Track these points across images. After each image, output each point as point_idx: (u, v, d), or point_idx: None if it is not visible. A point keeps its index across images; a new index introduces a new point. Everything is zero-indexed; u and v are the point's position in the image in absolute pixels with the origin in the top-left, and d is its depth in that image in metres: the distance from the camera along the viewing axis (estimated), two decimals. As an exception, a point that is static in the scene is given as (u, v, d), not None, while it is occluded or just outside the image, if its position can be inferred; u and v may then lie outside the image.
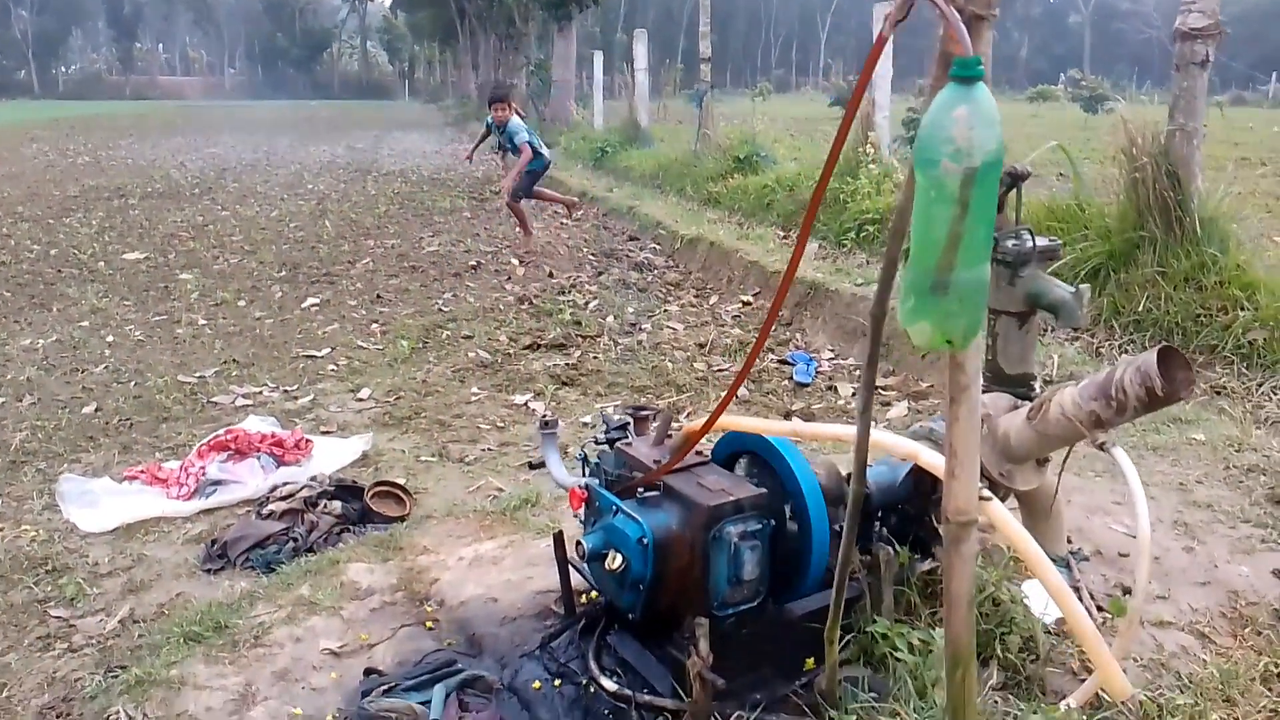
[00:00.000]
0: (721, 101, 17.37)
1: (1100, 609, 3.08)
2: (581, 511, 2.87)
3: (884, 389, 6.70)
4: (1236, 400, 5.57)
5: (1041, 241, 3.08)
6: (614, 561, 2.55)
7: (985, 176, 1.51)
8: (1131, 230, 7.11)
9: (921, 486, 2.96)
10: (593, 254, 11.30)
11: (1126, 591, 3.28)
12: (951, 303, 1.57)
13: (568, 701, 2.75)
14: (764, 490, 2.60)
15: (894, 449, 2.53)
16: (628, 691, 2.67)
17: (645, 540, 2.50)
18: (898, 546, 2.86)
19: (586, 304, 8.93)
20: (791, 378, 6.86)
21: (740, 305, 8.86)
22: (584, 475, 3.03)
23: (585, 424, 6.00)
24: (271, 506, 4.46)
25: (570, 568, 3.03)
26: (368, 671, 3.04)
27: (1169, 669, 2.84)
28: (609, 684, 2.71)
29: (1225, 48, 7.17)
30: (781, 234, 11.04)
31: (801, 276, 8.63)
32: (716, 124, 15.91)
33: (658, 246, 11.47)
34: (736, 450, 2.85)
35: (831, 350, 7.52)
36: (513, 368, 7.11)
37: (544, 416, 3.05)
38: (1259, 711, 2.64)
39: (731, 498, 2.53)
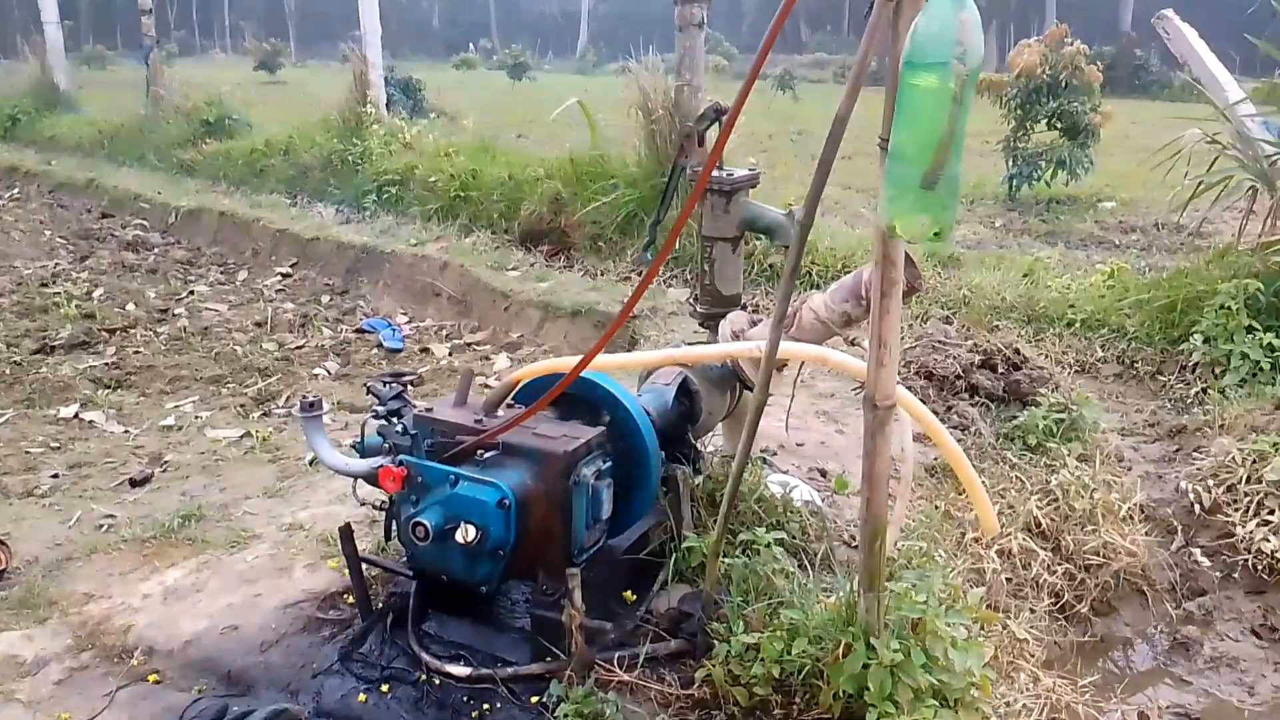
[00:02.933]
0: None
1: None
2: (389, 494, 2.54)
3: (476, 344, 6.71)
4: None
5: (744, 172, 3.36)
6: (466, 534, 2.31)
7: (974, 77, 1.66)
8: (654, 177, 7.92)
9: (683, 409, 3.10)
10: (62, 237, 9.52)
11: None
12: (942, 196, 1.71)
13: (409, 703, 2.44)
14: (603, 428, 2.53)
15: (798, 353, 2.56)
16: (487, 671, 2.45)
17: (507, 502, 2.30)
18: (686, 465, 2.97)
19: (89, 293, 7.54)
20: (381, 345, 6.54)
21: (280, 278, 8.16)
22: (363, 456, 2.66)
23: (167, 426, 5.16)
24: None
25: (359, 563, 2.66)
26: (110, 753, 2.40)
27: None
28: (460, 670, 2.47)
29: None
30: (289, 200, 10.30)
31: (347, 241, 8.23)
32: (171, 84, 14.19)
33: (145, 223, 10.03)
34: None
35: (404, 313, 7.31)
36: (33, 377, 5.79)
37: (305, 398, 2.60)
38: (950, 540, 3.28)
39: (581, 439, 2.44)
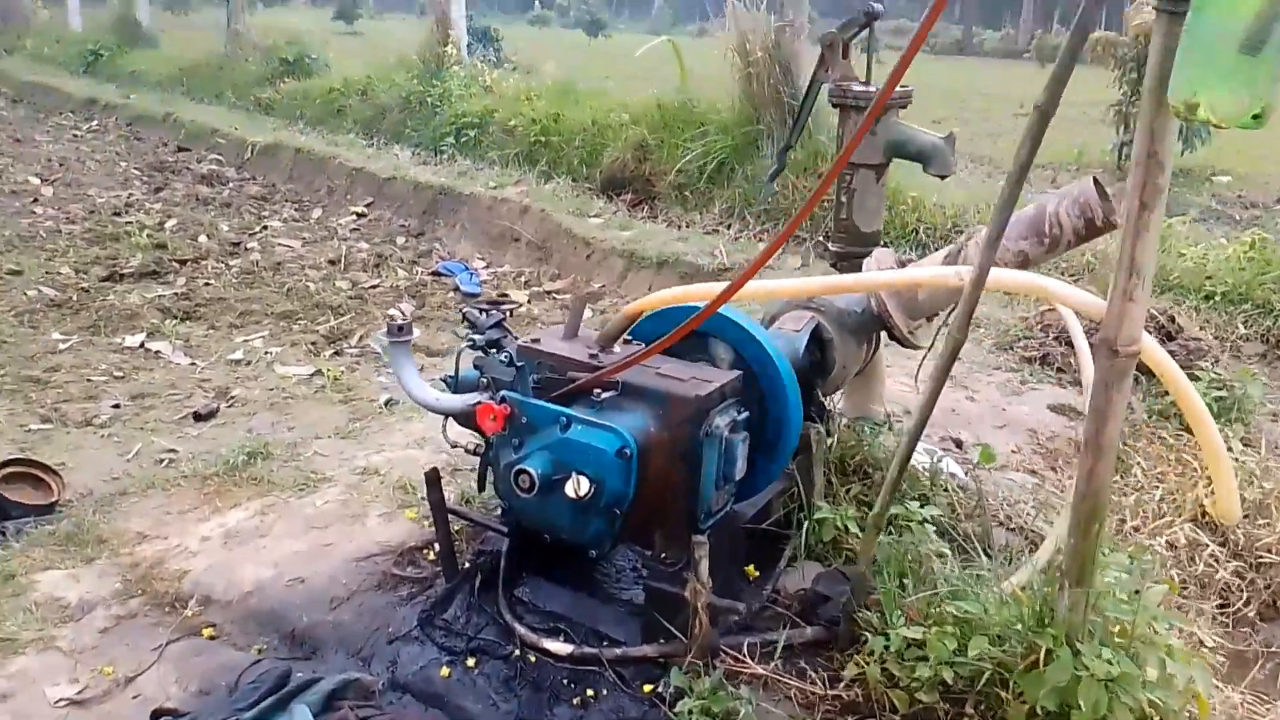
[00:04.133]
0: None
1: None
2: (484, 435, 2.17)
3: (556, 292, 6.35)
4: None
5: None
6: (578, 487, 1.93)
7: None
8: (749, 124, 7.43)
9: (814, 360, 2.68)
10: (137, 168, 9.37)
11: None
12: (1269, 60, 1.26)
13: (499, 682, 2.09)
14: (740, 373, 2.13)
15: (1014, 284, 2.11)
16: (591, 650, 2.08)
17: (628, 451, 1.92)
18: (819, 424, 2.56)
19: (161, 224, 7.33)
20: (458, 289, 6.21)
21: (355, 217, 7.88)
22: (457, 391, 2.30)
23: (235, 361, 4.89)
24: None
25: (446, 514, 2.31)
26: (156, 715, 2.09)
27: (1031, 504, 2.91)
28: (559, 646, 2.10)
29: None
30: (366, 141, 10.00)
31: (424, 182, 7.91)
32: (248, 20, 14.00)
33: (221, 158, 9.82)
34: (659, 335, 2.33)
35: (482, 258, 6.97)
36: (100, 304, 5.58)
37: (392, 319, 2.24)
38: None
39: (714, 384, 2.04)
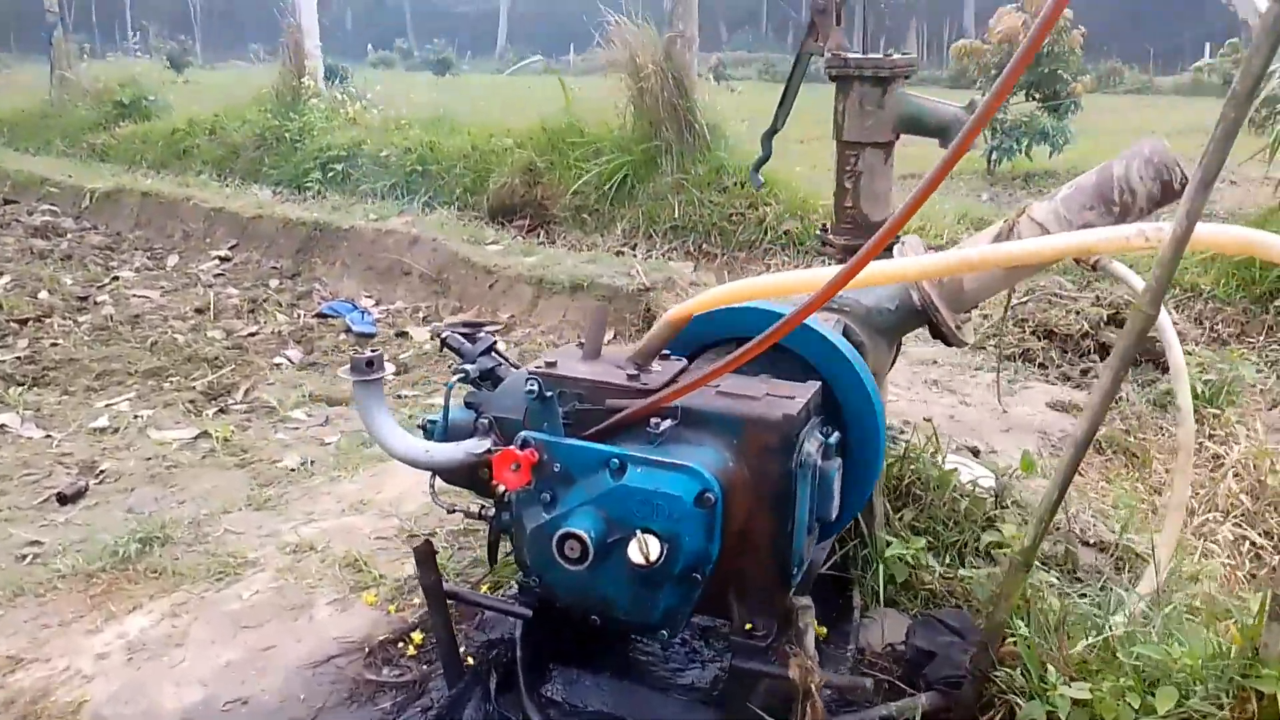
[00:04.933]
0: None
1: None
2: (494, 494, 1.67)
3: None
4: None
5: (899, 56, 2.56)
6: (646, 549, 1.46)
7: None
8: (647, 140, 7.10)
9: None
10: (-45, 224, 8.28)
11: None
12: None
13: (542, 814, 1.58)
14: (819, 384, 1.71)
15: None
16: (662, 758, 1.60)
17: (711, 496, 1.46)
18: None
19: (-10, 283, 6.40)
20: (349, 330, 5.58)
21: (218, 261, 7.10)
22: (444, 439, 1.78)
23: (100, 429, 4.15)
24: None
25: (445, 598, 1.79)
26: None
27: (1088, 513, 2.60)
28: (620, 759, 1.61)
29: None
30: (219, 181, 9.17)
31: (296, 219, 7.22)
32: (78, 65, 12.85)
33: (55, 208, 8.80)
34: (703, 346, 1.89)
35: (369, 295, 6.34)
36: (-76, 376, 4.71)
37: (358, 354, 1.71)
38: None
39: (799, 401, 1.60)
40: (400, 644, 2.06)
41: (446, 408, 1.77)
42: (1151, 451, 3.13)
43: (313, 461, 3.65)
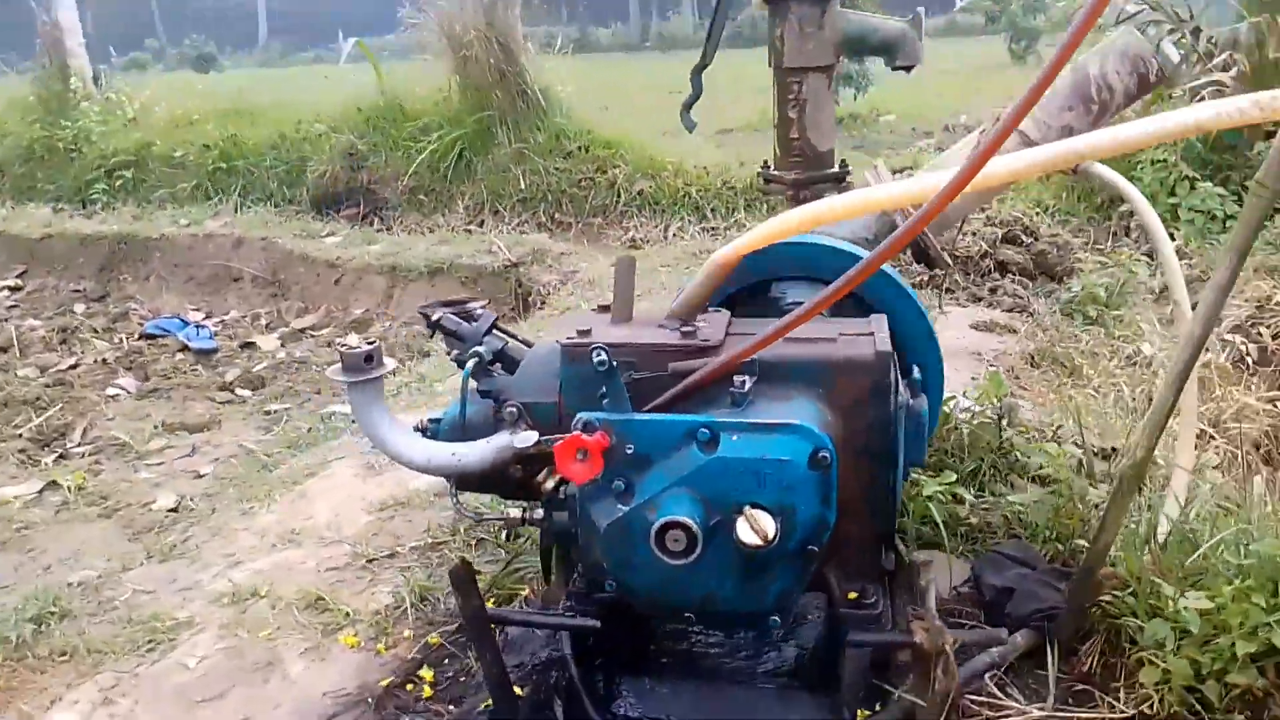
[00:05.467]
0: None
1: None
2: (541, 493, 1.41)
3: (311, 329, 5.31)
4: (685, 237, 5.70)
5: (832, -27, 2.41)
6: (759, 527, 1.25)
7: None
8: (479, 111, 6.74)
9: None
10: None
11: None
12: None
13: None
14: (883, 316, 1.54)
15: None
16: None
17: (826, 454, 1.27)
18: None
19: None
20: (187, 348, 4.99)
21: (7, 291, 6.23)
22: (465, 436, 1.50)
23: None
24: None
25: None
26: None
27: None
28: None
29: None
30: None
31: (94, 234, 6.43)
32: None
33: None
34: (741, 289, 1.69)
35: (197, 308, 5.72)
36: None
37: (348, 349, 1.39)
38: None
39: (881, 336, 1.43)
40: (410, 686, 1.76)
41: (464, 401, 1.49)
42: (1076, 358, 3.18)
43: (192, 498, 3.20)
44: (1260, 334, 3.71)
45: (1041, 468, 1.97)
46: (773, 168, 2.55)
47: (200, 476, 3.40)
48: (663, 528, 1.25)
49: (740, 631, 1.65)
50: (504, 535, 2.08)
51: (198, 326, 5.23)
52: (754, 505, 1.27)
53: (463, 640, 1.83)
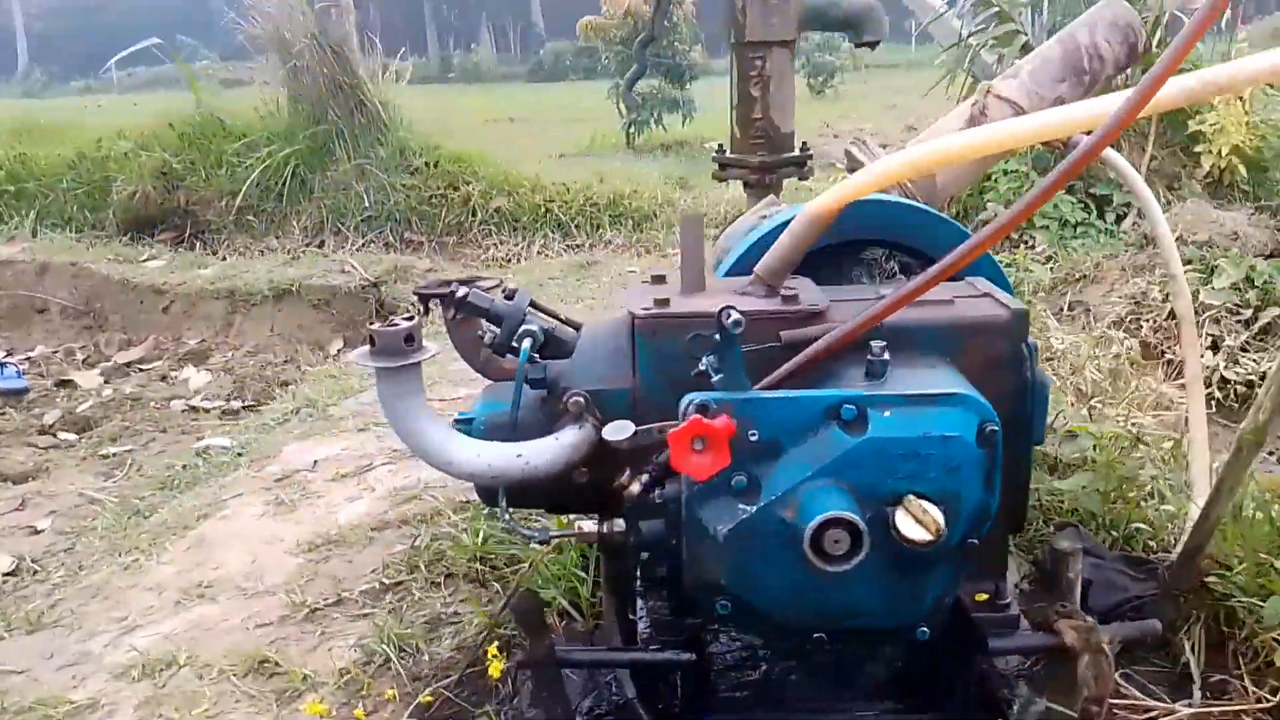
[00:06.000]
0: None
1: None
2: (621, 503, 1.14)
3: (139, 363, 4.68)
4: (550, 255, 5.45)
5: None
6: (925, 518, 1.05)
7: None
8: (313, 125, 6.27)
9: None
10: None
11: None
12: None
13: None
14: (983, 278, 1.37)
15: None
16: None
17: (993, 426, 1.08)
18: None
19: None
20: (-7, 390, 4.27)
21: None
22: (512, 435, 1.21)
23: None
24: None
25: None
26: None
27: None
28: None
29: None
30: None
31: None
32: None
33: None
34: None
35: (-3, 345, 4.95)
36: None
37: (375, 328, 1.07)
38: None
39: (1001, 296, 1.27)
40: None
41: (519, 391, 1.20)
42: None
43: (34, 559, 2.66)
44: (1140, 328, 3.87)
45: (1074, 454, 1.86)
46: (729, 151, 2.38)
47: (38, 532, 2.84)
48: (821, 527, 1.02)
49: (879, 648, 1.42)
50: (592, 558, 1.71)
51: (1, 364, 4.49)
52: (918, 492, 1.06)
53: (468, 694, 1.51)
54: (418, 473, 2.36)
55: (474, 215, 5.95)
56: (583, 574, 1.66)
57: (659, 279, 1.34)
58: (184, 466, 2.74)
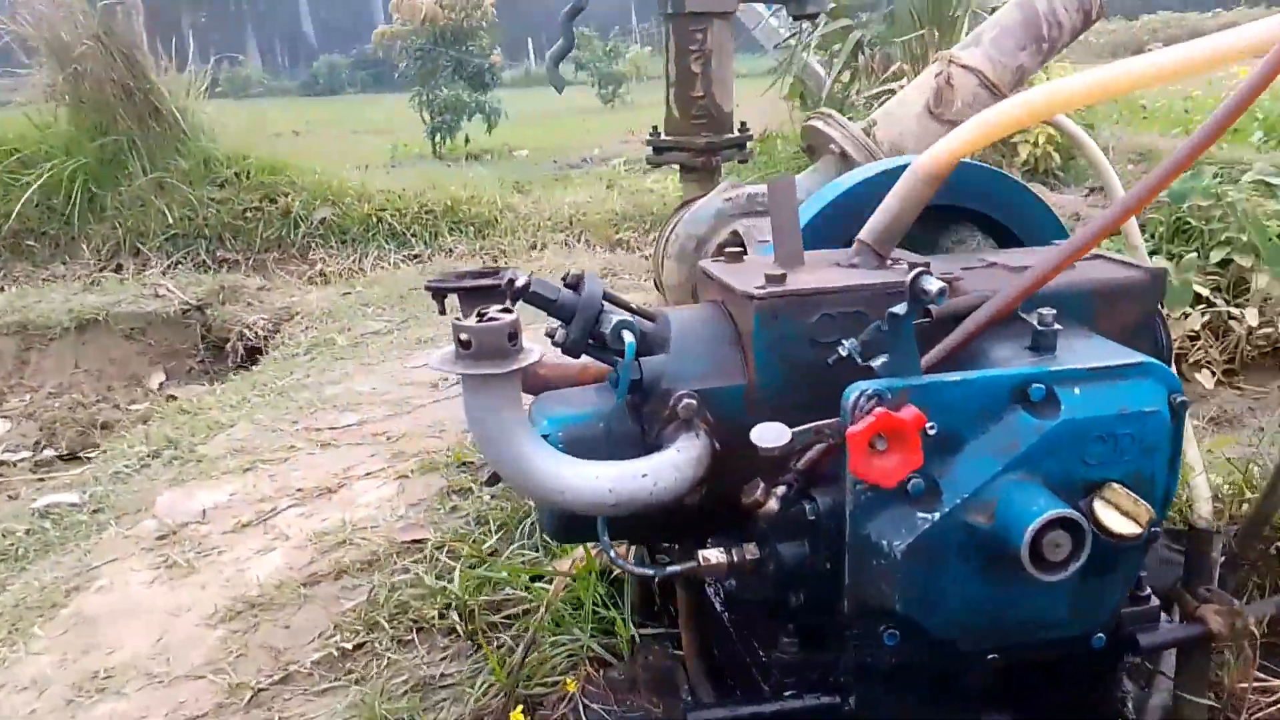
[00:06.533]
0: None
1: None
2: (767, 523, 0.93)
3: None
4: (386, 266, 5.07)
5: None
6: (1135, 509, 0.91)
7: None
8: (100, 136, 5.57)
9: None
10: None
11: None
12: None
13: None
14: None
15: None
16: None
17: (1182, 399, 0.96)
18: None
19: None
20: None
21: None
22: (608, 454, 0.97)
23: None
24: None
25: None
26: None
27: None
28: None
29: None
30: None
31: None
32: None
33: None
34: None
35: None
36: None
37: (481, 320, 0.81)
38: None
39: (1110, 255, 1.16)
40: None
41: (623, 392, 0.96)
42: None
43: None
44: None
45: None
46: (664, 134, 2.20)
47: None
48: (1043, 528, 0.85)
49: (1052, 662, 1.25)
50: (629, 591, 1.44)
51: None
52: (1112, 476, 0.92)
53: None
54: (334, 513, 2.03)
55: (296, 228, 5.45)
56: (605, 609, 1.43)
57: (732, 254, 1.14)
58: (27, 531, 2.25)
